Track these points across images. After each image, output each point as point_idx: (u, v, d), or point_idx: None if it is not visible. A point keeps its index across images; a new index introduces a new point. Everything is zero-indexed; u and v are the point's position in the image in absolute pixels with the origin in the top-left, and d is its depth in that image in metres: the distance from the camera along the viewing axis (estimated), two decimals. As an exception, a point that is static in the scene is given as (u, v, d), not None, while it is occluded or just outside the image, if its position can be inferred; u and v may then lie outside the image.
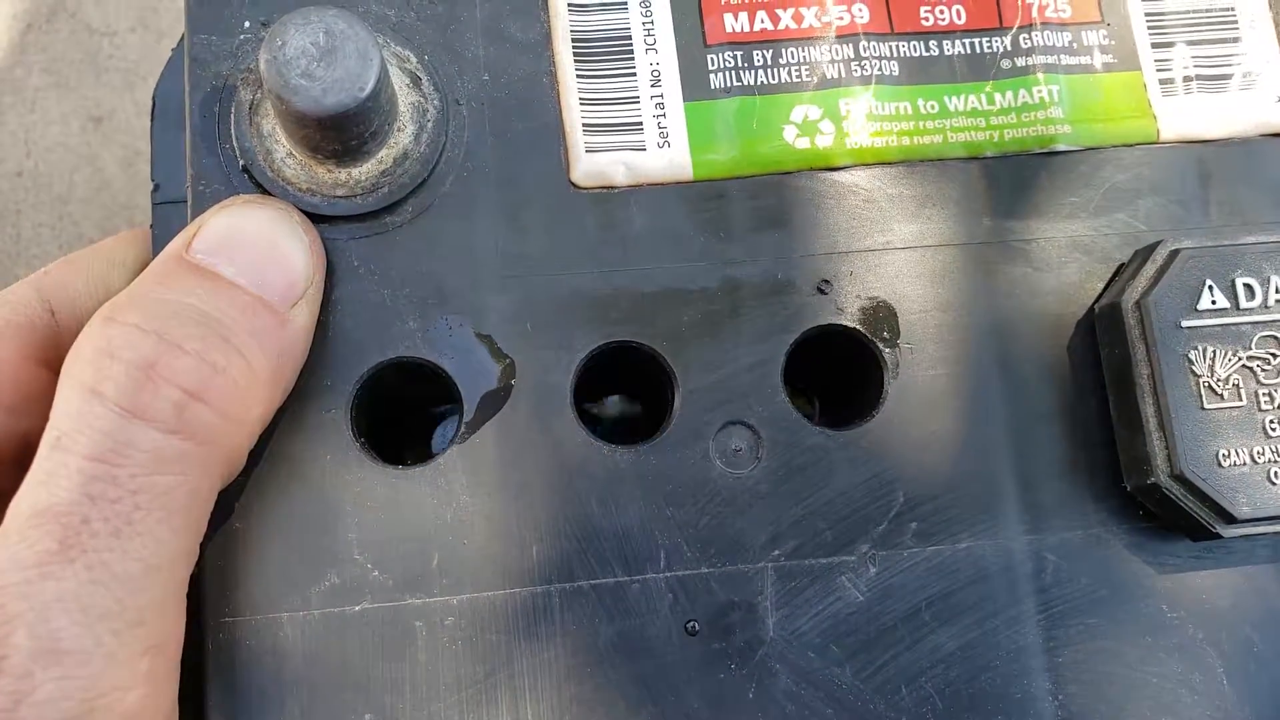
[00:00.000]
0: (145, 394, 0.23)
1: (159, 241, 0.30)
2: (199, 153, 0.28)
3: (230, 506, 0.27)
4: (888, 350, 0.29)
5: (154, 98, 0.30)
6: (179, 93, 0.29)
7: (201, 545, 0.26)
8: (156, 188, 0.30)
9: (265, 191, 0.28)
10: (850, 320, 0.29)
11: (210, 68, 0.29)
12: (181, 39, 0.30)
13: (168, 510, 0.23)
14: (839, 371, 0.31)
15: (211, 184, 0.28)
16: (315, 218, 0.28)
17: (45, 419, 0.28)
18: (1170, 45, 0.31)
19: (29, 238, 0.52)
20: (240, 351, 0.25)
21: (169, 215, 0.29)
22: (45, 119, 0.51)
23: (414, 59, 0.29)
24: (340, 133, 0.26)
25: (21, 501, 0.23)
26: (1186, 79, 0.30)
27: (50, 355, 0.30)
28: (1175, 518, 0.28)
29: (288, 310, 0.26)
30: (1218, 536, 0.27)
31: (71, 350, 0.24)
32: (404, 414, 0.33)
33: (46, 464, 0.23)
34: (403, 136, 0.28)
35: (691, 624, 0.27)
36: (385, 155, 0.28)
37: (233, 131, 0.28)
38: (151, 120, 0.30)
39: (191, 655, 0.26)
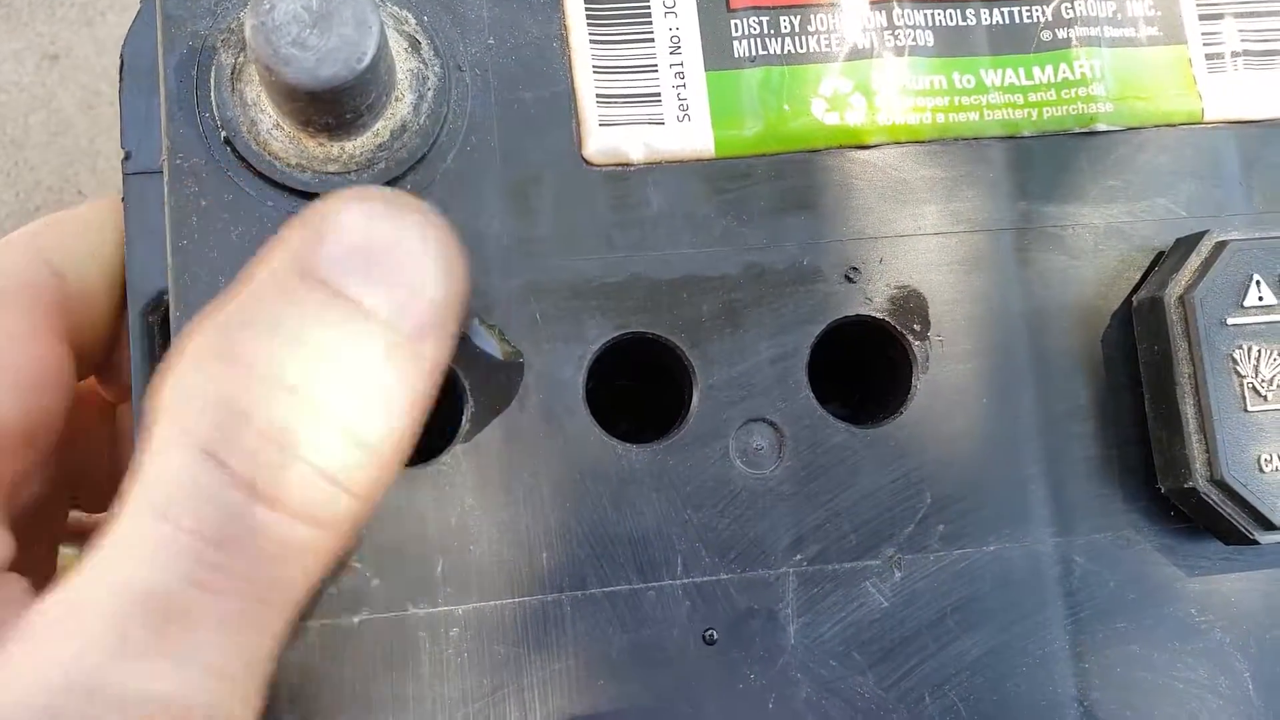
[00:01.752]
0: (279, 474, 0.19)
1: (131, 215, 0.27)
2: (175, 122, 0.26)
3: (218, 512, 0.25)
4: (917, 343, 0.27)
5: (122, 56, 0.28)
6: (150, 50, 0.27)
7: None
8: (128, 156, 0.27)
9: (249, 166, 0.26)
10: (879, 311, 0.27)
11: (186, 25, 0.26)
12: (152, -10, 0.27)
13: (282, 605, 0.20)
14: (866, 365, 0.29)
15: (190, 157, 0.26)
16: (306, 195, 0.26)
17: (60, 397, 0.26)
18: (1219, 18, 0.29)
19: (-19, 186, 0.49)
20: (383, 415, 0.20)
21: (143, 187, 0.27)
22: (-5, 57, 0.48)
23: (412, 20, 0.26)
24: (335, 106, 0.24)
25: (113, 572, 0.19)
26: (1234, 54, 0.29)
27: (62, 325, 0.27)
28: (1211, 522, 0.27)
29: (421, 346, 0.21)
30: (1254, 543, 0.26)
31: (175, 385, 0.20)
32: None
33: (149, 534, 0.19)
34: (400, 107, 0.26)
35: (710, 633, 0.26)
36: (382, 128, 0.26)
37: (213, 99, 0.26)
38: (120, 81, 0.28)
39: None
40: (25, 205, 0.49)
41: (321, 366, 0.19)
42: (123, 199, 0.27)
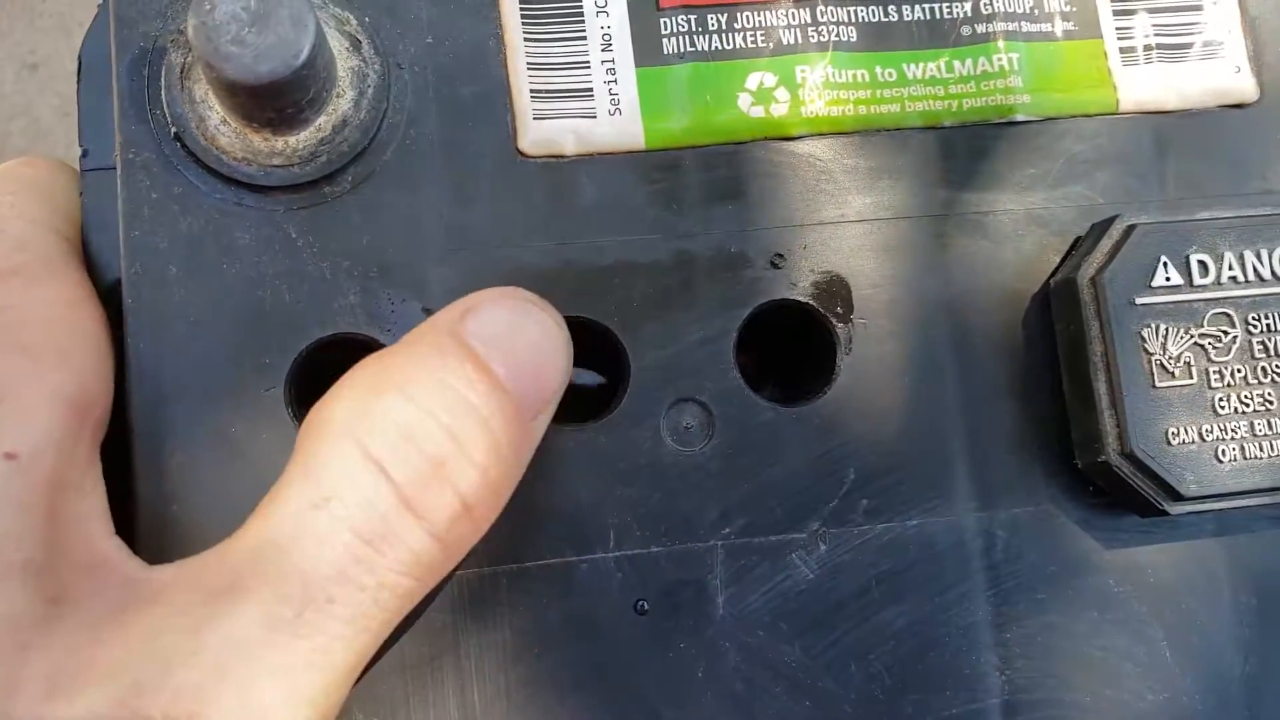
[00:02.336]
0: (431, 493, 0.22)
1: (89, 210, 0.28)
2: (128, 119, 0.27)
3: (166, 490, 0.26)
4: (841, 325, 0.28)
5: (79, 57, 0.29)
6: (106, 52, 0.28)
7: (135, 528, 0.26)
8: (85, 153, 0.29)
9: (198, 160, 0.27)
10: (803, 295, 0.28)
11: (137, 27, 0.27)
12: (107, -5, 0.28)
13: (394, 614, 0.22)
14: (792, 347, 0.30)
15: (141, 152, 0.27)
16: (251, 188, 0.27)
17: (99, 367, 0.26)
18: (1132, 13, 0.30)
19: (-40, 191, 0.50)
20: (503, 468, 0.23)
21: (99, 182, 0.28)
22: (-25, 66, 0.49)
23: (353, 20, 0.28)
24: (275, 101, 0.25)
25: (276, 546, 0.22)
26: (1147, 48, 0.30)
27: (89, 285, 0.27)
28: (1124, 495, 0.28)
29: (535, 423, 0.24)
30: (1165, 514, 0.27)
31: (349, 405, 0.23)
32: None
33: (309, 523, 0.22)
34: (342, 103, 0.27)
35: (641, 603, 0.27)
36: (324, 123, 0.27)
37: (163, 96, 0.27)
38: (78, 81, 0.29)
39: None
40: (3, 209, 0.51)
41: (466, 416, 0.22)
42: (80, 194, 0.28)
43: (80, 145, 0.29)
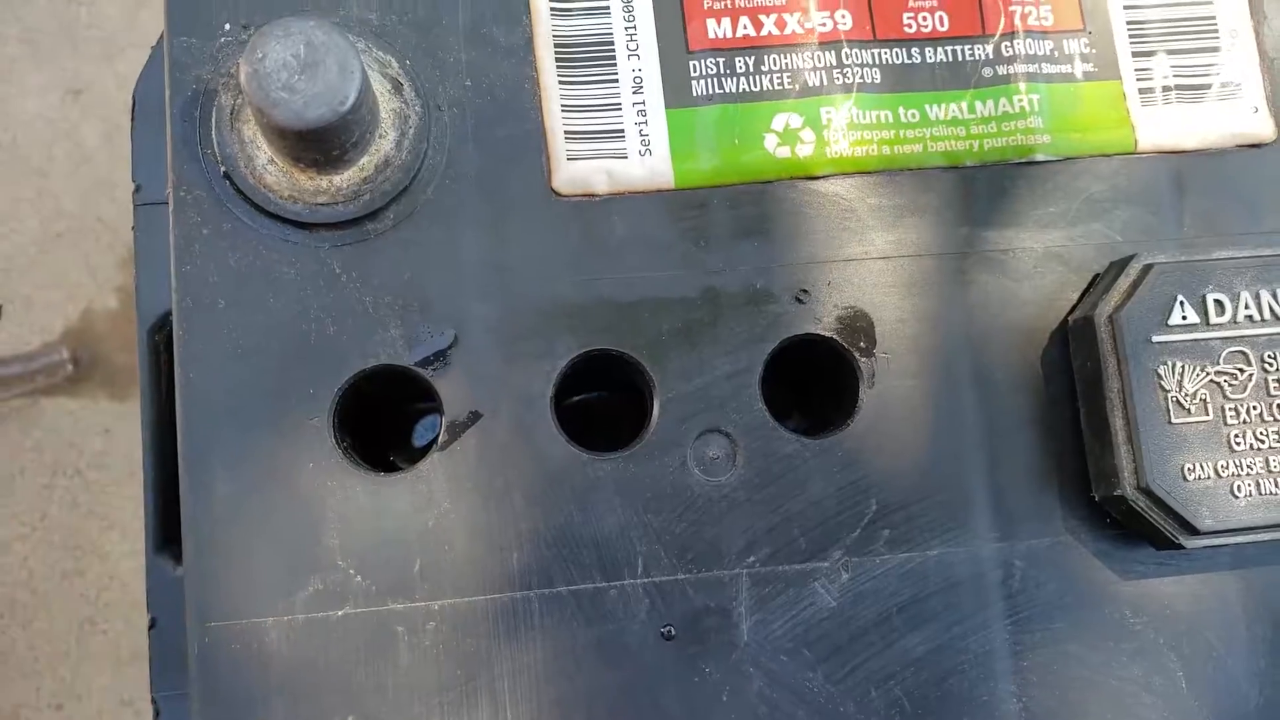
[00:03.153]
0: None
1: (141, 243, 0.30)
2: (180, 158, 0.28)
3: (215, 513, 0.27)
4: (864, 359, 0.29)
5: (134, 97, 0.30)
6: (159, 92, 0.29)
7: (185, 550, 0.27)
8: (138, 188, 0.30)
9: (246, 198, 0.28)
10: (828, 330, 0.29)
11: (190, 71, 0.29)
12: (161, 38, 0.29)
13: None
14: (816, 380, 0.31)
15: (193, 190, 0.28)
16: (297, 224, 0.28)
17: None
18: (1151, 54, 0.31)
19: (7, 212, 0.52)
20: None
21: (151, 217, 0.29)
22: (22, 90, 0.51)
23: (395, 64, 0.29)
24: (321, 144, 0.26)
25: None
26: (1166, 89, 0.31)
27: None
28: (1140, 528, 0.28)
29: None
30: (1181, 548, 0.28)
31: None
32: (384, 412, 0.33)
33: None
34: (384, 143, 0.28)
35: (668, 629, 0.28)
36: (367, 162, 0.28)
37: (214, 137, 0.28)
38: (132, 120, 0.30)
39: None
40: (48, 231, 0.52)
41: None
42: (133, 228, 0.30)
43: (133, 180, 0.30)
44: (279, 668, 0.27)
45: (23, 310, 0.57)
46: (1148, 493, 0.28)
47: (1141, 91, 0.31)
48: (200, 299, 0.28)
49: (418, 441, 0.36)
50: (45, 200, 0.51)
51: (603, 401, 0.32)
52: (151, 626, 0.30)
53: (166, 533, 0.28)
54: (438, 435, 0.28)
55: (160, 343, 0.29)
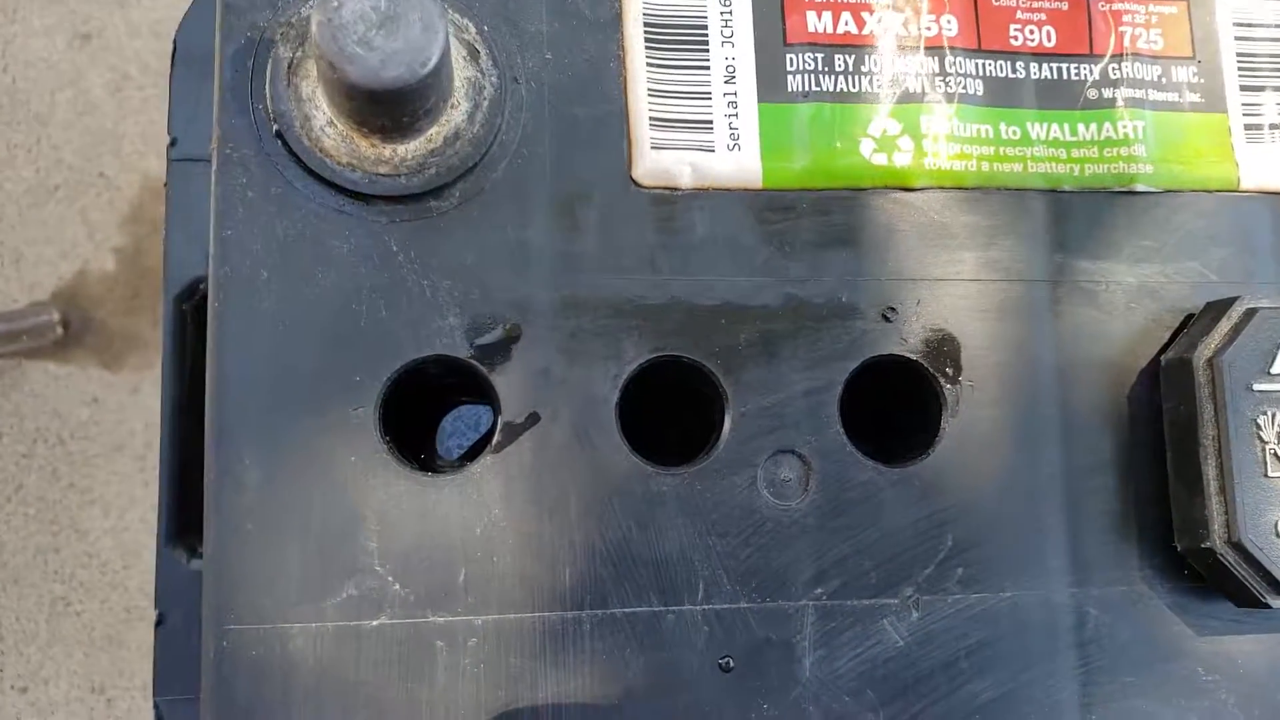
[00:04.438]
0: None
1: (174, 201, 0.27)
2: (228, 112, 0.26)
3: (243, 505, 0.25)
4: (949, 386, 0.27)
5: (175, 41, 0.28)
6: (204, 39, 0.27)
7: (206, 543, 0.24)
8: (174, 142, 0.27)
9: (300, 161, 0.25)
10: (913, 352, 0.27)
11: (246, 16, 0.26)
12: (212, -21, 0.27)
13: None
14: (896, 404, 0.29)
15: (240, 148, 0.26)
16: (354, 195, 0.26)
17: None
18: (1260, 89, 0.29)
19: (2, 159, 0.48)
20: None
21: (187, 173, 0.27)
22: (27, 30, 0.47)
23: (473, 29, 0.26)
24: (394, 108, 0.24)
25: None
26: (1273, 126, 0.29)
27: None
28: (1224, 583, 0.27)
29: None
30: (1266, 606, 0.26)
31: None
32: (415, 409, 0.31)
33: None
34: (456, 114, 0.26)
35: (726, 660, 0.26)
36: (436, 133, 0.26)
37: (267, 91, 0.26)
38: (171, 67, 0.28)
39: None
40: (45, 183, 0.49)
41: None
42: (165, 184, 0.27)
43: (169, 133, 0.27)
44: (303, 679, 0.24)
45: (11, 266, 0.53)
46: (1238, 547, 0.26)
47: (1248, 128, 0.29)
48: (241, 268, 0.25)
49: (442, 444, 0.34)
50: (44, 150, 0.47)
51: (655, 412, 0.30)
52: (159, 624, 0.27)
53: (182, 522, 0.26)
54: (490, 435, 0.26)
55: (188, 312, 0.26)
